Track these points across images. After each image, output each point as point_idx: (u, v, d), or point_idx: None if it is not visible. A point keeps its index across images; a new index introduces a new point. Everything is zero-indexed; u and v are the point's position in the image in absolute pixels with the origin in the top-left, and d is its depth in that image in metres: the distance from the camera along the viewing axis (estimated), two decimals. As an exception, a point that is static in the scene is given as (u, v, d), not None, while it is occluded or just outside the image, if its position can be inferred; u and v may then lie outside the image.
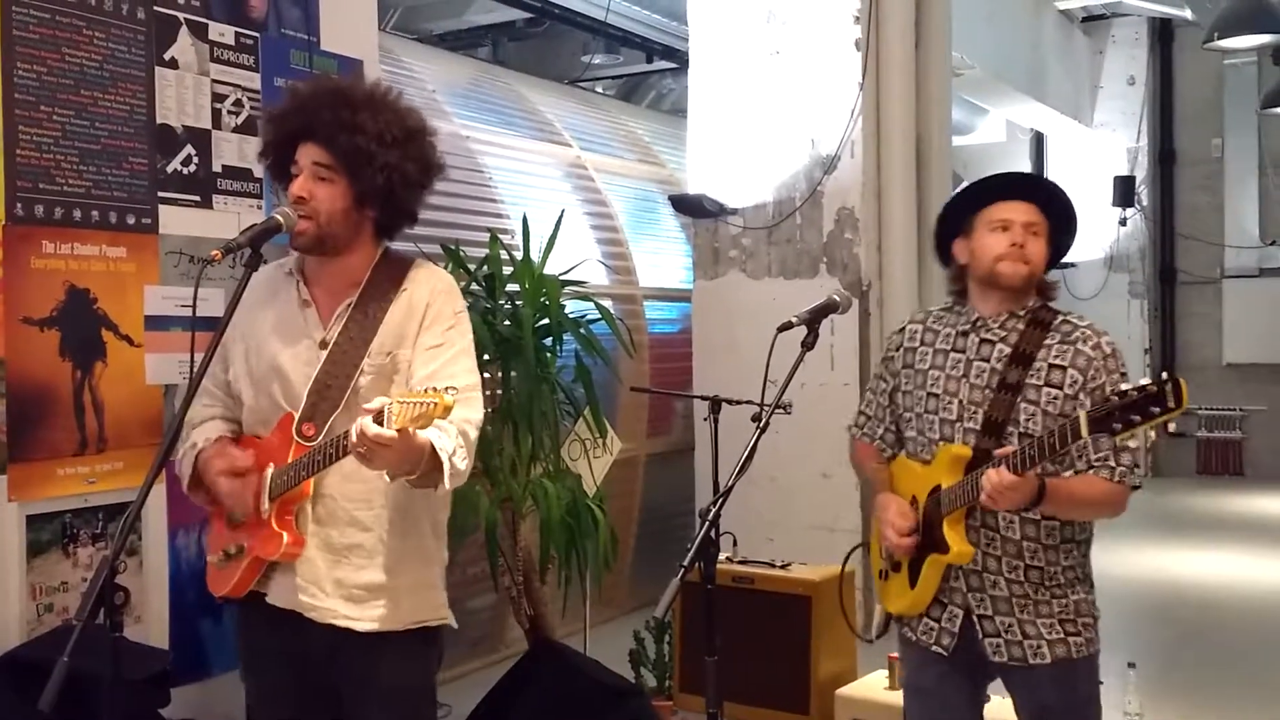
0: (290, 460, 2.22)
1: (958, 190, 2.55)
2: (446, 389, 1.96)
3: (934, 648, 2.46)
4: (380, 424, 1.95)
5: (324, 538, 2.24)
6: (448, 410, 1.94)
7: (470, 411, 2.24)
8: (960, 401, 2.43)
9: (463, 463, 2.17)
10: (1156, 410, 1.96)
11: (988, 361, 2.42)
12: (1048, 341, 2.39)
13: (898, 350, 2.60)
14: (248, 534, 2.28)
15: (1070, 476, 2.33)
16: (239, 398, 2.37)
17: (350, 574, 2.25)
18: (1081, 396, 2.33)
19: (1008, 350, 2.40)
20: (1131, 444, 2.27)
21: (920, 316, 2.61)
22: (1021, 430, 2.35)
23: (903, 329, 2.62)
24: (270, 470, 2.25)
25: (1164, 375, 1.98)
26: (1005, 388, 2.38)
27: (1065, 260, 2.58)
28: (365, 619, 2.24)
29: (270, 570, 2.28)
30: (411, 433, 1.98)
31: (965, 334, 2.47)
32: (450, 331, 2.30)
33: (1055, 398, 2.35)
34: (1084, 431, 2.07)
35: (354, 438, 1.99)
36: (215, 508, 2.39)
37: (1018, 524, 2.37)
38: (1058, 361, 2.37)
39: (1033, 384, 2.36)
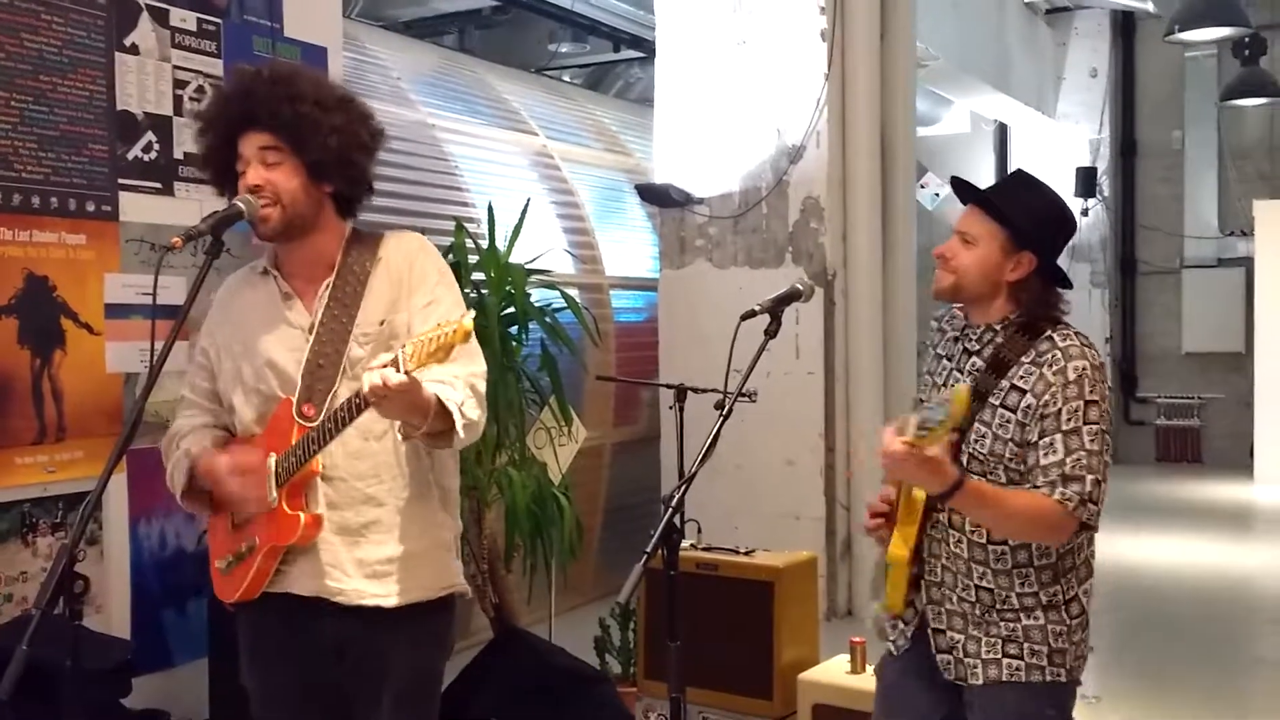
0: (294, 443, 2.17)
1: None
2: (463, 316, 1.94)
3: (892, 649, 2.42)
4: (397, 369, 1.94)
5: (339, 521, 2.21)
6: (468, 335, 1.92)
7: (474, 365, 2.24)
8: None
9: (474, 412, 2.16)
10: None
11: (963, 372, 2.34)
12: (1024, 359, 2.25)
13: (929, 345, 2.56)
14: (257, 529, 2.23)
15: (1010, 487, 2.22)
16: (229, 407, 2.33)
17: (371, 551, 2.22)
18: (1031, 424, 2.21)
19: (981, 364, 2.31)
20: (1087, 476, 2.16)
21: (940, 314, 2.52)
22: (970, 452, 2.26)
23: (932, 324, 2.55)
24: (272, 459, 2.20)
25: None
26: (977, 397, 2.27)
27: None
28: (390, 595, 2.22)
29: (287, 562, 2.23)
30: (418, 380, 1.98)
31: (956, 340, 2.41)
32: (438, 287, 2.30)
33: (1008, 421, 2.24)
34: None
35: (366, 389, 1.98)
36: (214, 514, 2.33)
37: (965, 544, 2.30)
38: (1020, 384, 2.24)
39: (992, 403, 2.26)
